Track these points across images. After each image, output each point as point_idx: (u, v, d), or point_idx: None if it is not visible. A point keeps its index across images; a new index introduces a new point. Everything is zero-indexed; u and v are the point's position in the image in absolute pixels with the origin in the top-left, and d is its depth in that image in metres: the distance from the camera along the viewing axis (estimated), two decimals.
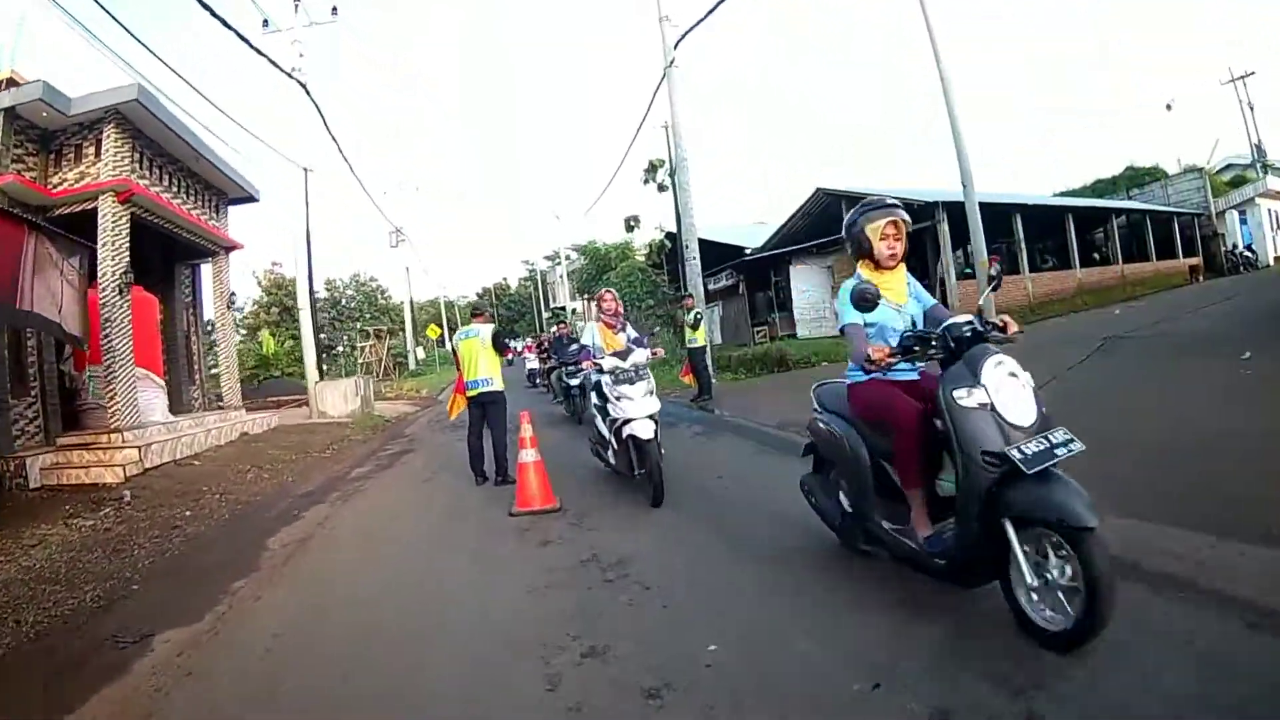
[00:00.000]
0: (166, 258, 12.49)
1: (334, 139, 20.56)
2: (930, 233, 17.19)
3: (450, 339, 6.76)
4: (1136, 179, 31.48)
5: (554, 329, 16.24)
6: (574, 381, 10.29)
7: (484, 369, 6.44)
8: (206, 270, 13.21)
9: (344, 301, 44.63)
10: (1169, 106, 30.72)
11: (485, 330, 6.56)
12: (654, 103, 14.73)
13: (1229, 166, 34.91)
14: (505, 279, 70.68)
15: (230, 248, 12.67)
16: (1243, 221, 28.72)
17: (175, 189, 11.58)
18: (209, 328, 14.18)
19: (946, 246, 14.87)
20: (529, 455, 5.31)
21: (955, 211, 14.96)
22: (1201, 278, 24.44)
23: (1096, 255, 22.85)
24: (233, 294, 12.58)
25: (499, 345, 6.55)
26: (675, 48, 12.60)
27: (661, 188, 21.58)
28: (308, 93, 14.82)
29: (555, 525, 4.78)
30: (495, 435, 6.39)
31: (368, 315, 42.45)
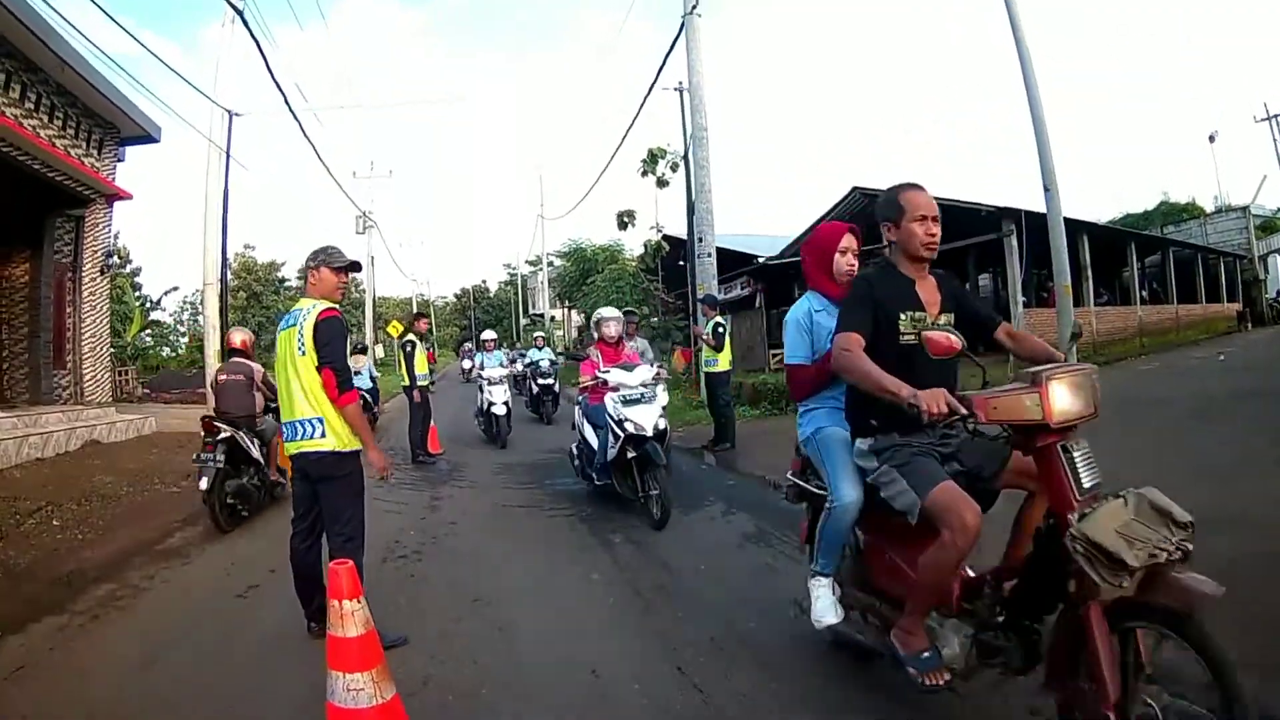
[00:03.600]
0: (34, 203, 9.60)
1: (276, 82, 17.44)
2: (984, 250, 14.65)
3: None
4: (1172, 214, 29.42)
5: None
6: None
7: (303, 400, 3.11)
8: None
9: None
10: (1212, 138, 28.59)
11: (307, 316, 3.13)
12: (665, 65, 11.95)
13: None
14: (484, 281, 67.80)
15: (112, 196, 9.78)
16: None
17: (32, 107, 8.73)
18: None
19: (1015, 264, 12.38)
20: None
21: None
22: (1249, 325, 22.24)
23: (1144, 293, 20.52)
24: (109, 254, 9.68)
25: (324, 348, 3.08)
26: None
27: (662, 182, 17.88)
28: (245, 23, 12.01)
29: None
30: (334, 546, 3.06)
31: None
